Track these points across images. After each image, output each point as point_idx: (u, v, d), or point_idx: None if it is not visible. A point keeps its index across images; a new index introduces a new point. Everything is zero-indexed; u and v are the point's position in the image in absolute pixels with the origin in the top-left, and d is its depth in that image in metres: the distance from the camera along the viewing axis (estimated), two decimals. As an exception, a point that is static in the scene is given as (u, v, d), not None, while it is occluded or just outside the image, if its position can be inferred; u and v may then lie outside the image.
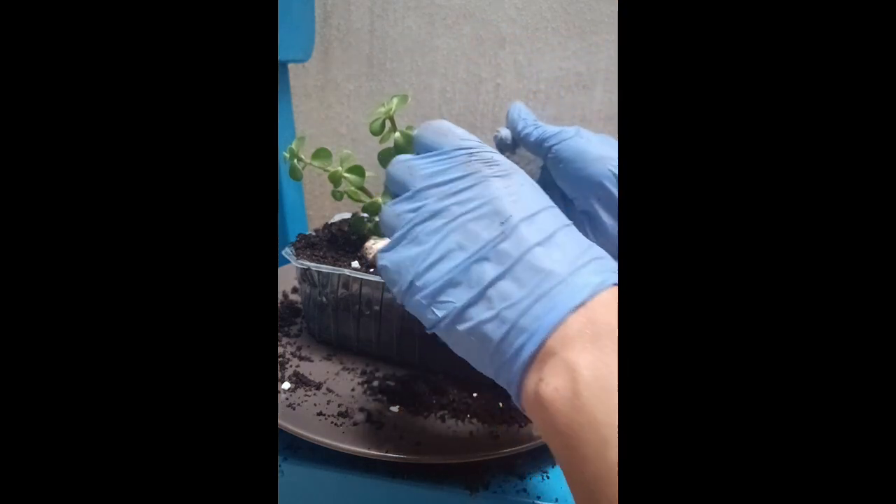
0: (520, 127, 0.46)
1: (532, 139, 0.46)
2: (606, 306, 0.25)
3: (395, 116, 0.45)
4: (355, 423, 0.39)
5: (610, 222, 0.45)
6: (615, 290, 0.26)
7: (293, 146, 0.46)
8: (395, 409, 0.41)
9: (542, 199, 0.30)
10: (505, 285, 0.27)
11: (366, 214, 0.49)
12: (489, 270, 0.27)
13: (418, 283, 0.29)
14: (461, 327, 0.28)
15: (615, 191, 0.44)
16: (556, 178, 0.46)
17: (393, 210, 0.31)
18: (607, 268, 0.27)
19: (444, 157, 0.31)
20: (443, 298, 0.28)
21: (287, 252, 0.46)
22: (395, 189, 0.33)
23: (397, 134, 0.45)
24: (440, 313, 0.28)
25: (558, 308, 0.25)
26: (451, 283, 0.28)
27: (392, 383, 0.43)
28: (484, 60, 0.77)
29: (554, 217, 0.29)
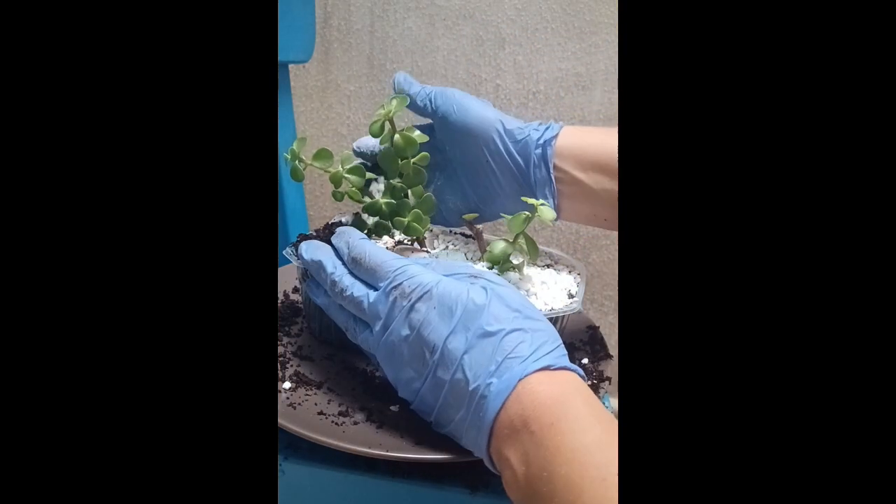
0: (408, 89, 0.50)
1: (419, 101, 0.50)
2: (528, 392, 0.31)
3: (395, 117, 0.45)
4: (356, 423, 0.39)
5: (497, 176, 0.49)
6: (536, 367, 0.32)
7: (294, 147, 0.46)
8: (395, 408, 0.41)
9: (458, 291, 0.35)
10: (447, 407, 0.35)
11: (366, 215, 0.50)
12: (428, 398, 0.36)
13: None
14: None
15: (502, 147, 0.48)
16: (443, 135, 0.50)
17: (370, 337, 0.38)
18: (526, 349, 0.32)
19: (382, 296, 0.36)
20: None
21: (288, 252, 0.46)
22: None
23: (397, 135, 0.45)
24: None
25: (488, 416, 0.32)
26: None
27: (392, 383, 0.43)
28: (484, 61, 0.78)
29: (472, 317, 0.34)
